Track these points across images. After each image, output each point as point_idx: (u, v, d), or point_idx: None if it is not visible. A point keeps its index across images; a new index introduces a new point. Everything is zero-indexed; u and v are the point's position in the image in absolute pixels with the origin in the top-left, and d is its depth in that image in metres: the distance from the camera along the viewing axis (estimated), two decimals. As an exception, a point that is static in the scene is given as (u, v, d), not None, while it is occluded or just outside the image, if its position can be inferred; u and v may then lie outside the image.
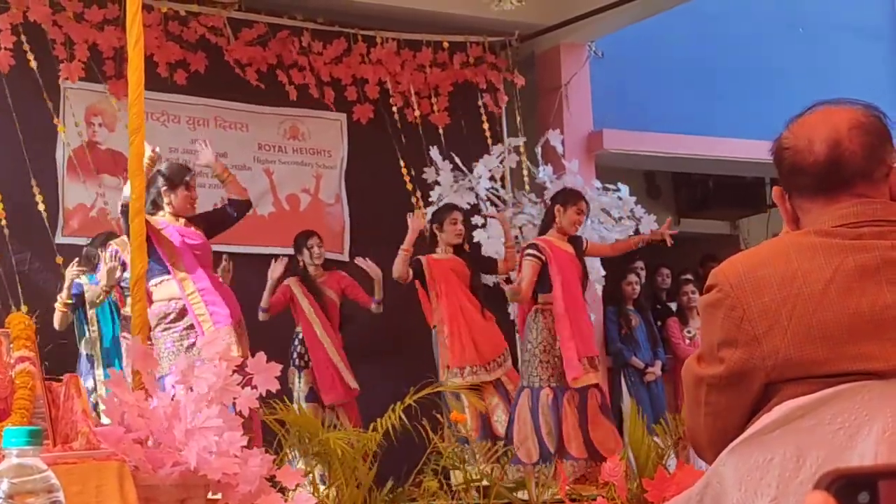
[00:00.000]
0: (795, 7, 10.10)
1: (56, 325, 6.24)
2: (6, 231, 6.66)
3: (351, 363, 6.90)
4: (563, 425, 6.32)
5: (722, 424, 1.84)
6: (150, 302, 5.52)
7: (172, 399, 3.01)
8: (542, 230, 6.71)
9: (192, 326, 5.60)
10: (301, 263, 6.99)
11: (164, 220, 5.69)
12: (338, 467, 4.57)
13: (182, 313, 5.62)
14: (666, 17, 8.38)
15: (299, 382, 6.89)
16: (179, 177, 5.75)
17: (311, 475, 4.69)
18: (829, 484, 0.78)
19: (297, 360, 6.90)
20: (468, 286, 6.84)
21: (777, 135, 1.92)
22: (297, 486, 3.59)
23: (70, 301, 6.26)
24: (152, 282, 5.54)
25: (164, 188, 5.72)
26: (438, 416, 5.19)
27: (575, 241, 6.66)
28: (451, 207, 7.09)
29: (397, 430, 4.63)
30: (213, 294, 5.63)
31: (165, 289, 5.66)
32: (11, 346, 3.36)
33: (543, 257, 6.41)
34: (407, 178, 7.90)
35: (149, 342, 5.36)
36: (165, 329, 5.62)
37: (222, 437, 2.92)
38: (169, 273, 5.63)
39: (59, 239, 6.83)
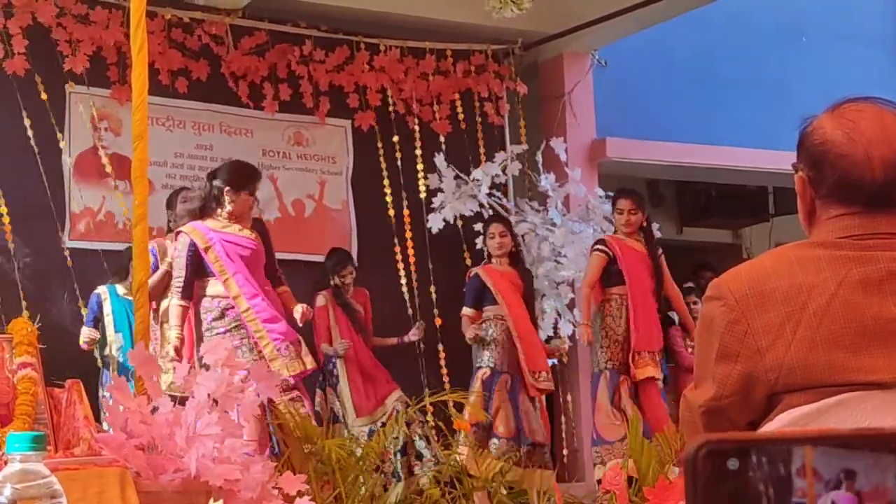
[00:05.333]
0: (798, 16, 10.10)
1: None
2: (12, 234, 6.67)
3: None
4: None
5: None
6: (202, 296, 5.51)
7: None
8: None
9: (236, 328, 5.43)
10: (332, 282, 6.89)
11: (207, 226, 5.53)
12: (338, 476, 4.56)
13: (223, 313, 5.46)
14: (669, 25, 8.38)
15: (337, 399, 6.72)
16: (247, 181, 5.59)
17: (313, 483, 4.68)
18: (698, 449, 0.79)
19: (331, 378, 6.75)
20: (522, 297, 6.87)
21: (812, 123, 1.84)
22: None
23: None
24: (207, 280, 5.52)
25: (229, 188, 5.51)
26: (441, 423, 5.18)
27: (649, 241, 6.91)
28: (491, 220, 7.21)
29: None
30: (268, 309, 5.46)
31: (213, 287, 5.52)
32: (14, 351, 3.37)
33: (611, 253, 6.71)
34: (410, 186, 7.90)
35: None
36: (208, 329, 5.46)
37: (223, 444, 2.92)
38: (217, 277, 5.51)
39: (67, 243, 6.83)
